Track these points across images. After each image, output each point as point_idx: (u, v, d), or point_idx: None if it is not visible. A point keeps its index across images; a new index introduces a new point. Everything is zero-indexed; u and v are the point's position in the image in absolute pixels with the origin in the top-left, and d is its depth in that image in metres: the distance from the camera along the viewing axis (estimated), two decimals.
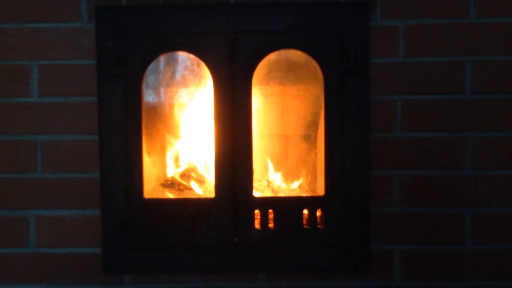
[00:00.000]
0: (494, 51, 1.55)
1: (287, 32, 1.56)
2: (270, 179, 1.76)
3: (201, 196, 1.67)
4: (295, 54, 1.61)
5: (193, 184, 1.70)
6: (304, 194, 1.69)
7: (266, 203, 1.56)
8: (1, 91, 1.59)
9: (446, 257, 1.60)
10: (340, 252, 1.58)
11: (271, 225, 1.56)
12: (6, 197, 1.61)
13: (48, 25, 1.57)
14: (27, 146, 1.60)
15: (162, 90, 1.71)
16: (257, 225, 1.56)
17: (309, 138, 1.73)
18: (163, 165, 1.74)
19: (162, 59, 1.66)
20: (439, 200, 1.59)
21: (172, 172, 1.75)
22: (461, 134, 1.57)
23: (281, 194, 1.69)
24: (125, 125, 1.55)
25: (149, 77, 1.61)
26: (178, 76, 1.70)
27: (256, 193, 1.61)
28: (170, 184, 1.70)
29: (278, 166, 1.77)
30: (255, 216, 1.55)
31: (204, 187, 1.70)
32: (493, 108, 1.57)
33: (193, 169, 1.75)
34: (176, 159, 1.76)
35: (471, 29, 1.55)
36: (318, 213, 1.56)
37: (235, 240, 1.56)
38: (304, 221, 1.56)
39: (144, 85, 1.56)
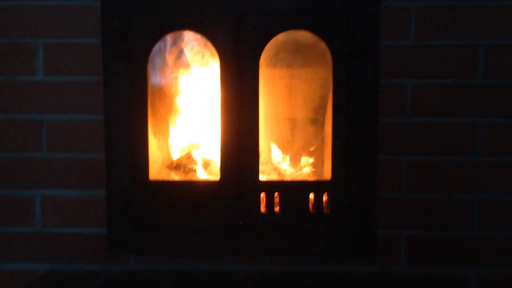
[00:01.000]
0: (507, 35, 1.52)
1: (295, 12, 1.52)
2: (276, 162, 1.74)
3: (206, 179, 1.66)
4: (303, 35, 1.58)
5: (199, 166, 1.69)
6: (310, 178, 1.68)
7: (272, 186, 1.55)
8: (6, 70, 1.58)
9: (454, 243, 1.58)
10: (346, 237, 1.57)
11: (276, 208, 1.55)
12: (11, 176, 1.61)
13: (53, 3, 1.56)
14: (32, 125, 1.59)
15: (168, 71, 1.68)
16: (262, 208, 1.55)
17: (316, 121, 1.70)
18: (168, 146, 1.72)
19: (168, 38, 1.64)
20: (447, 186, 1.57)
21: (178, 153, 1.74)
22: (472, 119, 1.54)
23: (288, 178, 1.68)
24: (130, 105, 1.54)
25: (155, 58, 1.59)
26: (184, 57, 1.68)
27: (262, 177, 1.59)
28: (176, 166, 1.69)
29: (284, 150, 1.75)
30: (261, 200, 1.55)
31: (210, 169, 1.69)
32: (505, 93, 1.53)
33: (199, 151, 1.73)
34: (182, 141, 1.75)
35: (484, 11, 1.51)
36: (324, 197, 1.55)
37: (240, 223, 1.55)
38: (310, 205, 1.55)
39: (150, 65, 1.54)
